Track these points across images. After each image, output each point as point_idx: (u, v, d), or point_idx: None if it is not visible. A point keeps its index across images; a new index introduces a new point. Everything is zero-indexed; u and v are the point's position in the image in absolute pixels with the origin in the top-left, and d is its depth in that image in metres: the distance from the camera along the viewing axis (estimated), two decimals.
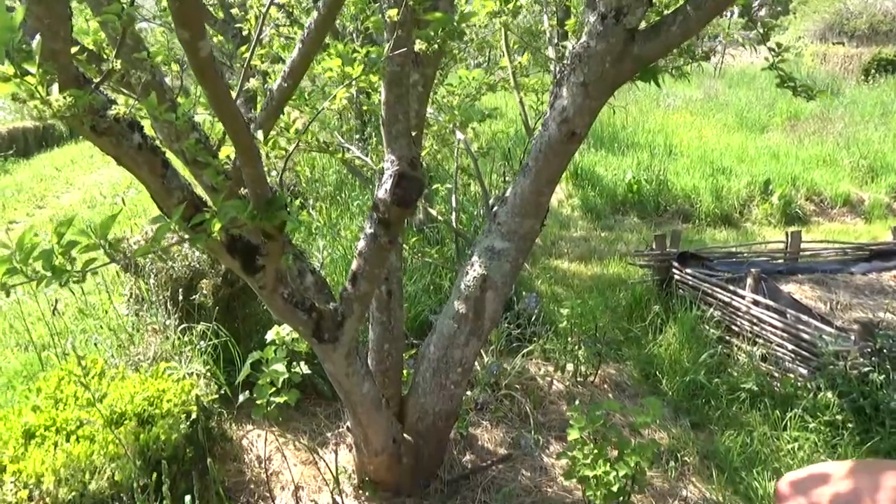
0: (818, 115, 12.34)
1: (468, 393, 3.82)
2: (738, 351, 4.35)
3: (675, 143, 10.63)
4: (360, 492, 3.10)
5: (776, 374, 3.99)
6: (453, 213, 4.21)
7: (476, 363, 3.90)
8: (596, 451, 2.75)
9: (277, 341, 3.16)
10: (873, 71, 16.50)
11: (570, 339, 4.18)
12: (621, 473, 2.64)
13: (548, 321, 4.58)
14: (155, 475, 2.41)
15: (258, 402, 3.00)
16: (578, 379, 4.14)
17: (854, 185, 9.18)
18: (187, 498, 2.40)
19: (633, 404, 3.95)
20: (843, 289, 5.21)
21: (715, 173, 9.16)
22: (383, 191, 2.33)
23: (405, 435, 3.08)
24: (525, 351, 4.11)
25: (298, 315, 2.30)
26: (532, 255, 6.73)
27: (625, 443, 2.73)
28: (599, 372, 4.22)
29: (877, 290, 5.26)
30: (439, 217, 3.85)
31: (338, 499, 3.07)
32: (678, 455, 3.40)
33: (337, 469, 3.18)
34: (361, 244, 2.33)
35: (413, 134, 2.53)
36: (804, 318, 4.01)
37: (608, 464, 2.69)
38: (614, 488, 2.64)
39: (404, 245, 3.57)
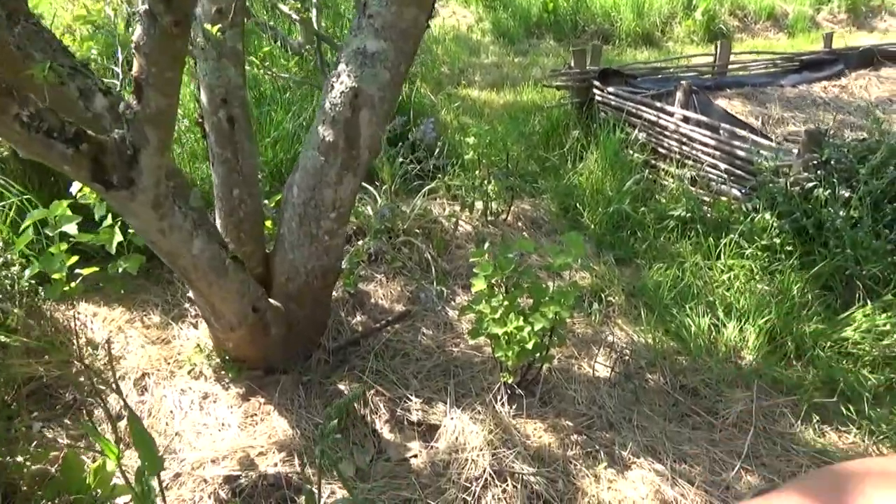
0: None
1: (358, 243, 3.19)
2: (666, 175, 3.86)
3: None
4: (223, 373, 2.51)
5: (708, 199, 3.54)
6: (314, 11, 3.31)
7: (366, 207, 3.24)
8: (506, 303, 2.21)
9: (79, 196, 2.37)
10: None
11: (477, 172, 3.55)
12: (537, 328, 2.13)
13: (453, 155, 3.92)
14: None
15: (54, 276, 2.26)
16: (489, 218, 3.57)
17: None
18: None
19: (551, 242, 3.46)
20: (773, 102, 4.75)
21: None
22: None
23: (272, 300, 2.45)
24: (426, 189, 3.47)
25: (57, 149, 1.52)
26: (437, 84, 5.93)
27: (541, 290, 2.20)
28: (513, 208, 3.66)
29: (808, 102, 4.83)
30: (293, 15, 2.90)
31: (194, 385, 2.47)
32: (602, 295, 2.95)
33: (194, 348, 2.57)
34: (137, 33, 1.52)
35: None
36: (740, 132, 3.50)
37: (521, 317, 2.17)
38: (529, 345, 2.14)
39: (251, 58, 2.72)
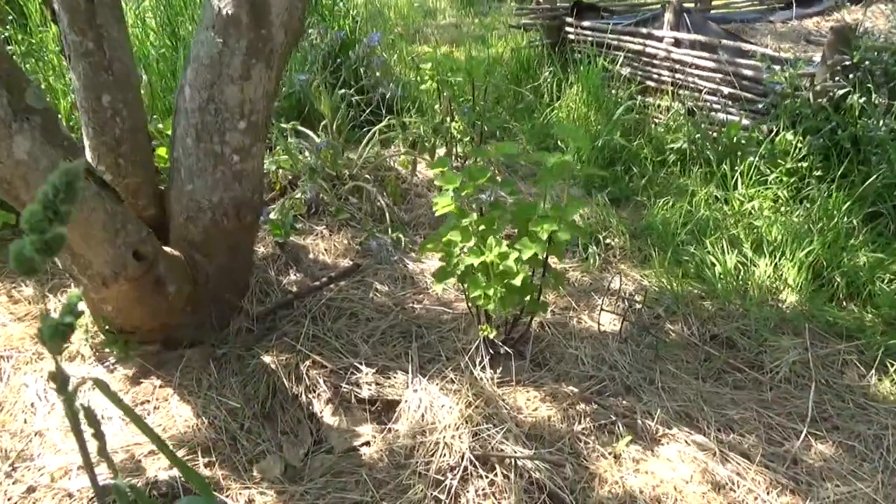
0: None
1: (296, 195, 2.56)
2: (659, 111, 3.31)
3: None
4: (108, 351, 1.86)
5: (711, 132, 3.00)
6: None
7: (304, 153, 2.61)
8: (483, 226, 1.61)
9: None
10: None
11: (437, 107, 2.96)
12: (526, 256, 1.54)
13: (409, 100, 3.32)
14: None
15: None
16: (454, 163, 2.97)
17: None
18: None
19: (528, 185, 2.87)
20: (764, 38, 4.26)
21: None
22: None
23: (169, 249, 1.82)
24: (376, 129, 2.85)
25: None
26: (389, 46, 5.32)
27: (529, 207, 1.61)
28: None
29: (802, 37, 4.35)
30: None
31: (67, 369, 1.82)
32: (600, 237, 2.37)
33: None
34: None
35: None
36: (745, 46, 2.97)
37: (501, 243, 1.57)
38: (516, 280, 1.55)
39: None
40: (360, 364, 1.79)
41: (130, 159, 1.83)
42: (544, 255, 1.62)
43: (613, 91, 3.51)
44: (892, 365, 1.80)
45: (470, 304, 1.75)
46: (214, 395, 1.73)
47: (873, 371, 1.80)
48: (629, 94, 3.39)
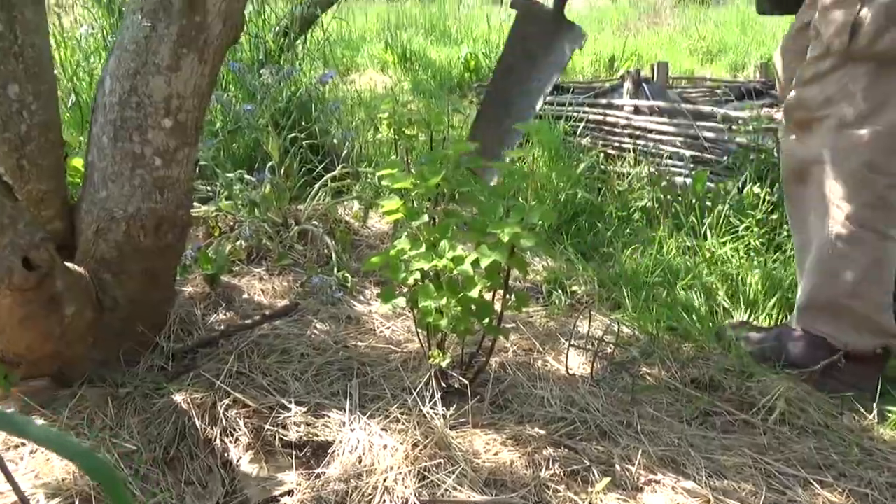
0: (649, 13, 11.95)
1: (235, 234, 2.34)
2: (620, 180, 3.24)
3: None
4: None
5: (676, 192, 2.92)
6: None
7: (246, 191, 2.42)
8: (436, 233, 1.42)
9: None
10: None
11: (394, 155, 2.83)
12: (485, 262, 1.34)
13: (367, 160, 3.19)
14: None
15: None
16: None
17: (696, 63, 8.68)
18: None
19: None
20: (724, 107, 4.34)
21: None
22: None
23: (71, 265, 1.57)
24: (326, 177, 2.69)
25: None
26: (355, 129, 5.30)
27: (490, 207, 1.42)
28: (442, 206, 2.91)
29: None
30: None
31: None
32: (566, 284, 2.19)
33: None
34: None
35: None
36: (706, 109, 2.96)
37: (456, 247, 1.37)
38: (473, 293, 1.34)
39: None
40: (289, 402, 1.51)
41: (37, 162, 1.60)
42: (505, 269, 1.42)
43: (575, 152, 3.46)
44: (890, 413, 1.60)
45: (419, 326, 1.51)
46: (107, 436, 1.42)
47: (874, 411, 1.60)
48: (591, 158, 3.34)
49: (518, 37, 2.91)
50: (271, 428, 1.46)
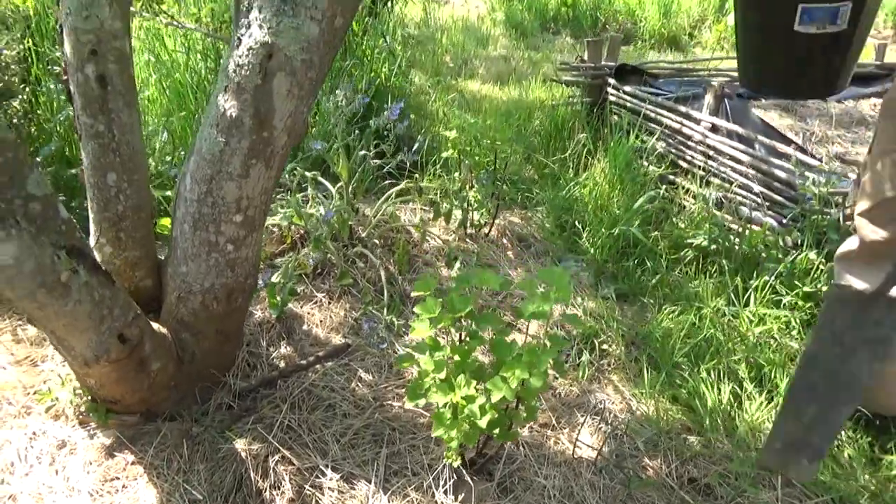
0: None
1: (302, 253, 2.58)
2: (687, 195, 3.23)
3: None
4: (92, 414, 1.91)
5: (736, 227, 2.91)
6: None
7: (318, 207, 2.63)
8: (458, 356, 1.60)
9: None
10: None
11: (457, 175, 2.94)
12: (495, 398, 1.51)
13: (435, 153, 3.31)
14: None
15: None
16: (468, 230, 2.95)
17: None
18: None
19: (539, 265, 2.83)
20: (816, 118, 4.10)
21: None
22: None
23: (157, 326, 1.85)
24: (394, 191, 2.86)
25: None
26: (435, 74, 5.33)
27: (505, 346, 1.58)
28: (499, 221, 3.04)
29: (856, 119, 4.17)
30: None
31: (50, 428, 1.88)
32: (596, 343, 2.33)
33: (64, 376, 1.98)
34: None
35: None
36: (781, 147, 2.87)
37: (475, 381, 1.56)
38: (482, 422, 1.53)
39: None
40: (327, 467, 1.79)
41: (131, 235, 1.87)
42: (515, 398, 1.60)
43: (643, 164, 3.45)
44: None
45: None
46: (181, 480, 1.76)
47: None
48: (660, 172, 3.33)
49: None
50: (310, 489, 1.75)
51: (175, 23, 2.05)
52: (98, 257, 1.90)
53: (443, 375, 1.57)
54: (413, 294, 1.71)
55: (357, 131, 2.73)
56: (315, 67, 1.63)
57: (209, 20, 2.61)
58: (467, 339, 1.65)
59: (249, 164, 1.68)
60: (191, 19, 2.61)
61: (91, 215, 1.84)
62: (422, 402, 1.69)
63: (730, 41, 7.05)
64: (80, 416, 1.92)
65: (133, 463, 1.81)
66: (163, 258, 1.99)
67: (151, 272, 1.96)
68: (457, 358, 1.60)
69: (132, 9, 2.02)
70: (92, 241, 1.90)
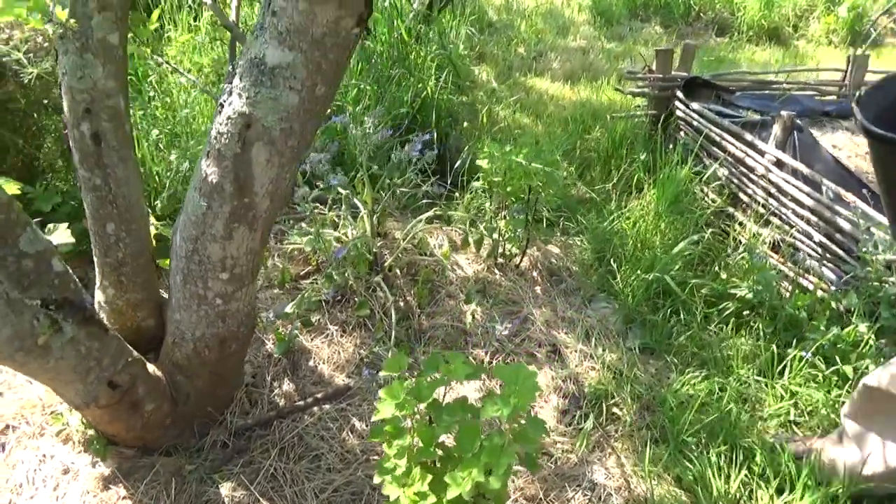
0: None
1: (317, 284, 2.59)
2: (741, 232, 2.99)
3: None
4: (94, 445, 2.01)
5: (788, 274, 2.66)
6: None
7: (346, 229, 2.62)
8: (422, 441, 1.55)
9: None
10: None
11: (488, 204, 2.85)
12: (450, 495, 1.46)
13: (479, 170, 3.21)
14: None
15: None
16: (498, 261, 2.87)
17: None
18: None
19: (567, 305, 2.71)
20: None
21: None
22: None
23: (152, 368, 1.91)
24: (426, 217, 2.81)
25: None
26: (506, 68, 5.16)
27: (470, 432, 1.52)
28: (534, 251, 2.93)
29: None
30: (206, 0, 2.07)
31: (58, 451, 1.99)
32: (604, 404, 2.21)
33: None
34: None
35: None
36: (847, 196, 2.58)
37: (429, 475, 1.51)
38: None
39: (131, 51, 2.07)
40: None
41: (132, 279, 1.93)
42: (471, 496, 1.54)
43: (702, 192, 3.23)
44: None
45: None
46: None
47: None
48: (718, 205, 3.09)
49: None
50: None
51: (178, 69, 2.06)
52: (102, 298, 1.98)
53: (403, 463, 1.53)
54: (383, 371, 1.66)
55: (389, 158, 2.67)
56: (296, 135, 1.59)
57: (210, 70, 2.60)
58: (431, 425, 1.59)
59: (232, 228, 1.67)
60: (195, 69, 2.61)
61: (95, 259, 1.91)
62: (388, 478, 1.66)
63: (840, 35, 6.42)
64: (86, 442, 2.03)
65: (124, 498, 1.89)
66: (166, 296, 2.04)
67: (153, 312, 2.02)
68: (421, 444, 1.55)
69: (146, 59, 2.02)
70: (97, 283, 1.97)
